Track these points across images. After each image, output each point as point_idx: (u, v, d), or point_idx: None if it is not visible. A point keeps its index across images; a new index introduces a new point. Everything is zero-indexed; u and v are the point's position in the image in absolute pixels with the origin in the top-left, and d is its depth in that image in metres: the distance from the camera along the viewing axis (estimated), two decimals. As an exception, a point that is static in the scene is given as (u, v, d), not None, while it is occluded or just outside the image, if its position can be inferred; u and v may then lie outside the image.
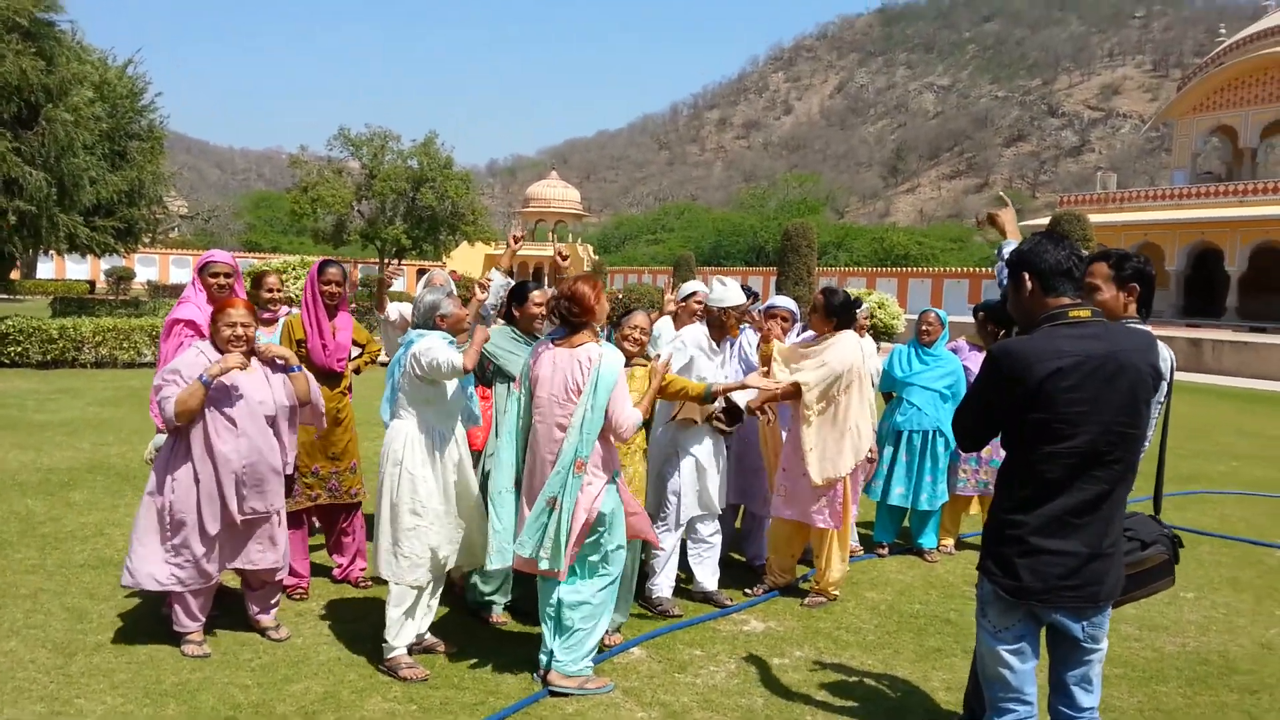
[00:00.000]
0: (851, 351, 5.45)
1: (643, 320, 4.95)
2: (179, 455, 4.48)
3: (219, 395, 4.44)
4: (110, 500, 7.22)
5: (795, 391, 5.36)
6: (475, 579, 5.02)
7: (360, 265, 57.49)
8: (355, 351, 5.61)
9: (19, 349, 15.31)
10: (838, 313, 5.57)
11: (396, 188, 47.58)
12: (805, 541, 5.76)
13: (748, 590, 5.74)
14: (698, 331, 5.62)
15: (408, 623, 4.41)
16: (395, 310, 5.81)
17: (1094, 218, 29.00)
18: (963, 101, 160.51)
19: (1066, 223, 23.19)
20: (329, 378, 5.22)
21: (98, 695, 4.04)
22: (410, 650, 4.52)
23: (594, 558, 4.39)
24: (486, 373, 5.05)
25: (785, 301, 6.11)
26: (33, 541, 6.12)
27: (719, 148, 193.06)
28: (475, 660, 4.56)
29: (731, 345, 6.01)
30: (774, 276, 31.01)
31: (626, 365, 4.76)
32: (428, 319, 4.49)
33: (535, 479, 4.32)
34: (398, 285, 51.61)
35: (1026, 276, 3.11)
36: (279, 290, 5.63)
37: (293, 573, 5.29)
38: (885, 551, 6.75)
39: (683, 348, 5.49)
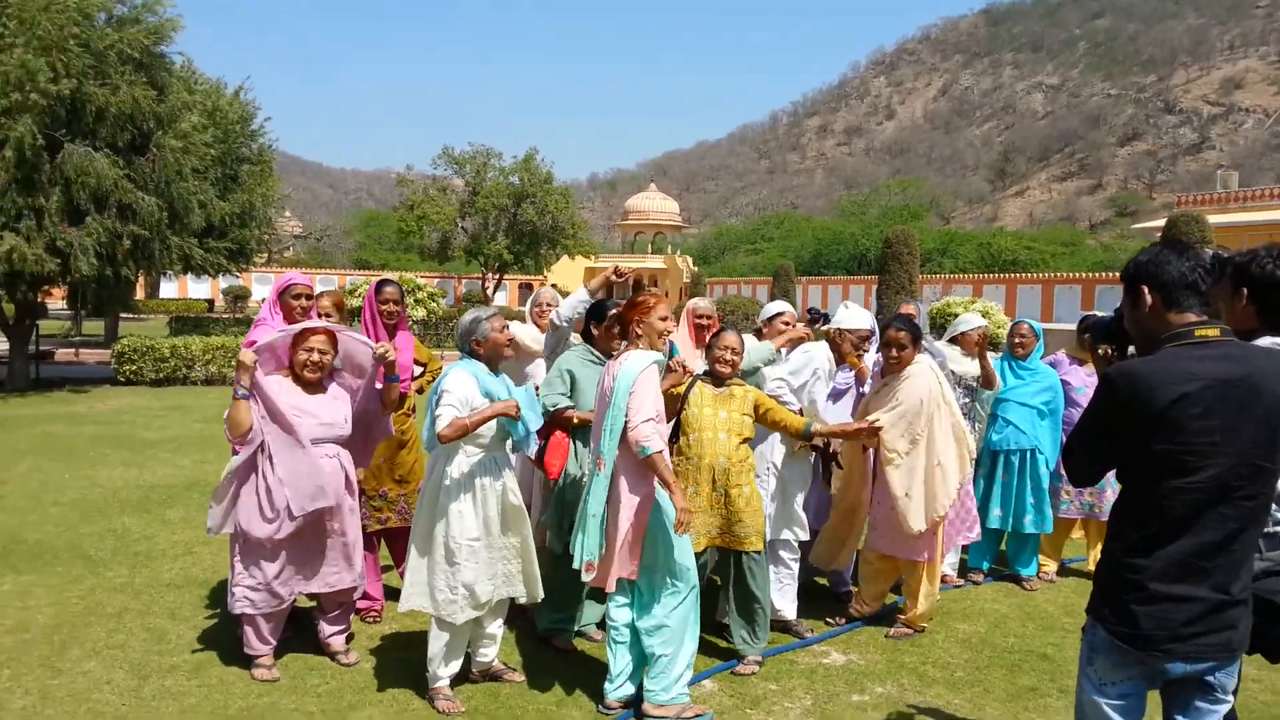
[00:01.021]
0: (923, 383, 5.15)
1: (733, 340, 4.76)
2: (244, 476, 4.50)
3: (280, 415, 4.43)
4: (203, 518, 7.26)
5: (872, 433, 5.07)
6: (543, 605, 4.92)
7: (465, 281, 58.63)
8: (417, 371, 5.57)
9: (134, 367, 15.99)
10: (919, 338, 5.29)
11: (498, 204, 48.36)
12: (898, 573, 5.50)
13: (829, 620, 5.50)
14: (823, 353, 5.46)
15: (449, 655, 4.29)
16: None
17: (1214, 218, 27.56)
18: (1073, 101, 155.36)
19: (1183, 224, 22.01)
20: (391, 399, 5.18)
21: (165, 719, 4.06)
22: (477, 677, 4.46)
23: (657, 575, 4.23)
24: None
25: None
26: (125, 559, 6.27)
27: (820, 155, 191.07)
28: (540, 690, 4.45)
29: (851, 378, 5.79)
30: (875, 285, 30.38)
31: (721, 385, 4.68)
32: (465, 342, 4.32)
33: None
34: (500, 299, 52.32)
35: (1146, 290, 2.77)
36: (395, 304, 5.29)
37: (366, 596, 5.29)
38: (981, 579, 6.41)
39: (802, 367, 5.36)
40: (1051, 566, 6.51)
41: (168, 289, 51.26)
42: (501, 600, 4.41)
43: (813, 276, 57.43)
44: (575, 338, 5.27)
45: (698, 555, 4.57)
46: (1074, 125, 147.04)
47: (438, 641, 4.26)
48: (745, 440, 4.68)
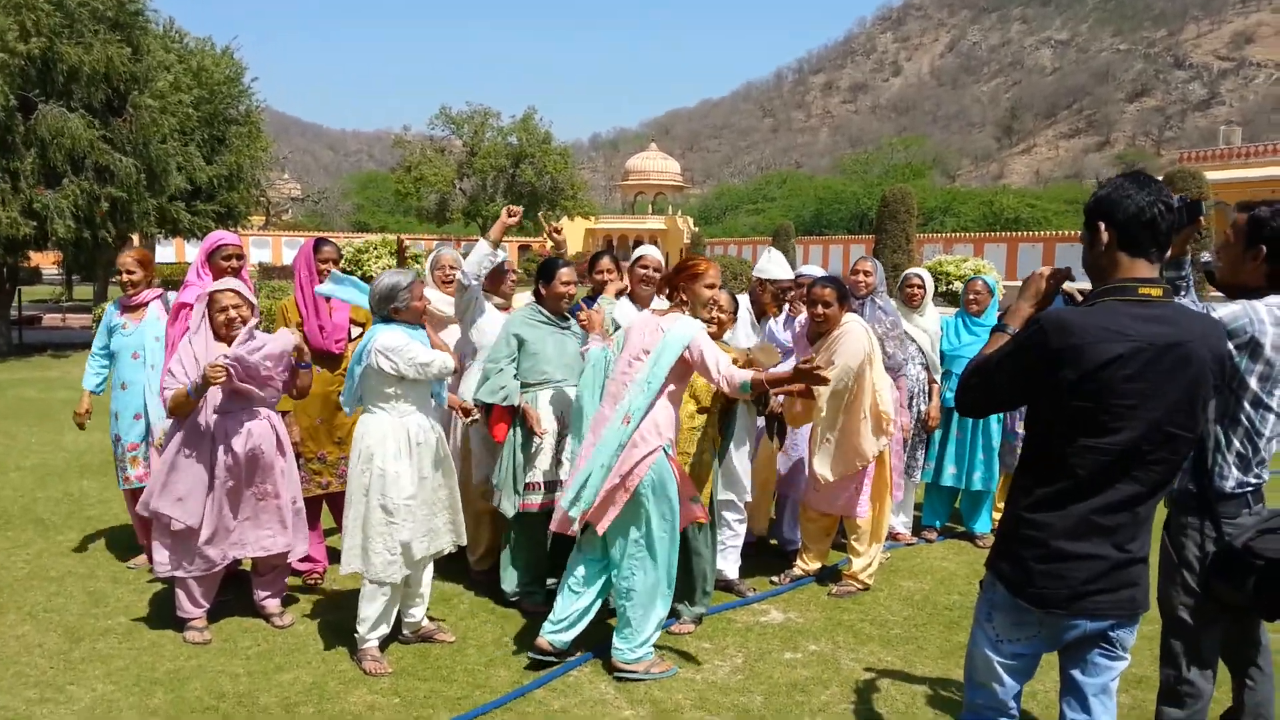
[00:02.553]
0: (861, 340, 5.08)
1: (725, 299, 4.74)
2: (180, 441, 4.47)
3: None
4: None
5: (807, 392, 5.01)
6: (510, 568, 4.89)
7: (464, 242, 58.48)
8: (356, 332, 5.51)
9: (119, 331, 15.96)
10: (846, 297, 5.20)
11: (496, 164, 48.19)
12: (836, 526, 5.48)
13: (774, 579, 5.48)
14: (741, 304, 5.36)
15: (381, 618, 4.28)
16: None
17: (1214, 174, 27.30)
18: (1082, 56, 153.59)
19: (1180, 180, 21.82)
20: (327, 360, 5.13)
21: (90, 682, 4.06)
22: (410, 637, 4.46)
23: (635, 534, 4.12)
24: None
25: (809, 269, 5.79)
26: (76, 523, 6.27)
27: (825, 113, 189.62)
28: (471, 652, 4.44)
29: (782, 324, 5.70)
30: (872, 244, 30.19)
31: None
32: (383, 308, 4.21)
33: (596, 435, 4.17)
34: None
35: (1102, 227, 2.59)
36: (335, 263, 5.34)
37: (308, 558, 5.26)
38: (934, 537, 6.39)
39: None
40: (1007, 524, 6.47)
41: (163, 253, 51.09)
42: (428, 556, 4.40)
43: (814, 236, 57.11)
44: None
45: None
46: (1082, 81, 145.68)
47: (370, 604, 4.24)
48: (703, 409, 4.62)
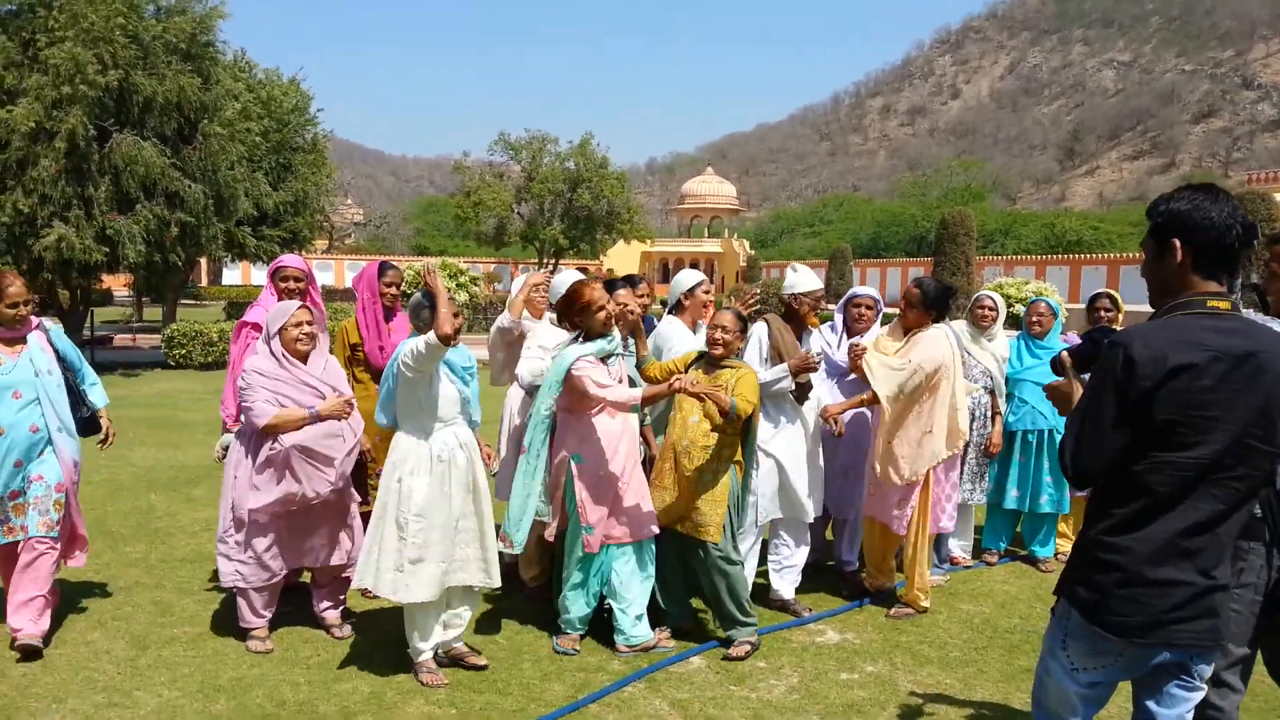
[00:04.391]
0: (941, 349, 5.09)
1: (727, 320, 4.65)
2: (244, 453, 4.58)
3: (289, 393, 4.50)
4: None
5: (874, 397, 5.06)
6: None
7: (521, 266, 59.01)
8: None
9: (183, 352, 16.41)
10: (935, 304, 5.20)
11: (554, 189, 48.55)
12: (898, 543, 5.41)
13: (845, 597, 5.44)
14: (759, 330, 5.30)
15: (423, 630, 4.27)
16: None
17: (1284, 195, 26.56)
18: (1145, 77, 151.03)
19: (1249, 201, 21.30)
20: (386, 379, 5.20)
21: (156, 688, 4.15)
22: (442, 657, 4.42)
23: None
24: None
25: (866, 290, 5.74)
26: (144, 535, 6.43)
27: (882, 136, 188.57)
28: (526, 666, 4.46)
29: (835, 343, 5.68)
30: (931, 266, 29.90)
31: (717, 367, 4.61)
32: (415, 323, 4.24)
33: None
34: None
35: (1178, 245, 2.51)
36: (396, 288, 5.48)
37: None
38: (995, 560, 6.27)
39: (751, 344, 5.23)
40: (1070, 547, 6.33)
41: (230, 276, 52.36)
42: (468, 588, 4.37)
43: (871, 259, 56.68)
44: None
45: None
46: (1146, 103, 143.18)
47: (409, 618, 4.28)
48: (716, 428, 4.57)
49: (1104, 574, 2.53)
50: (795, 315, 5.30)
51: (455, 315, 4.10)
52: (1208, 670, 2.60)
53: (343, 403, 4.55)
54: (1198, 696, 2.62)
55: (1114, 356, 2.48)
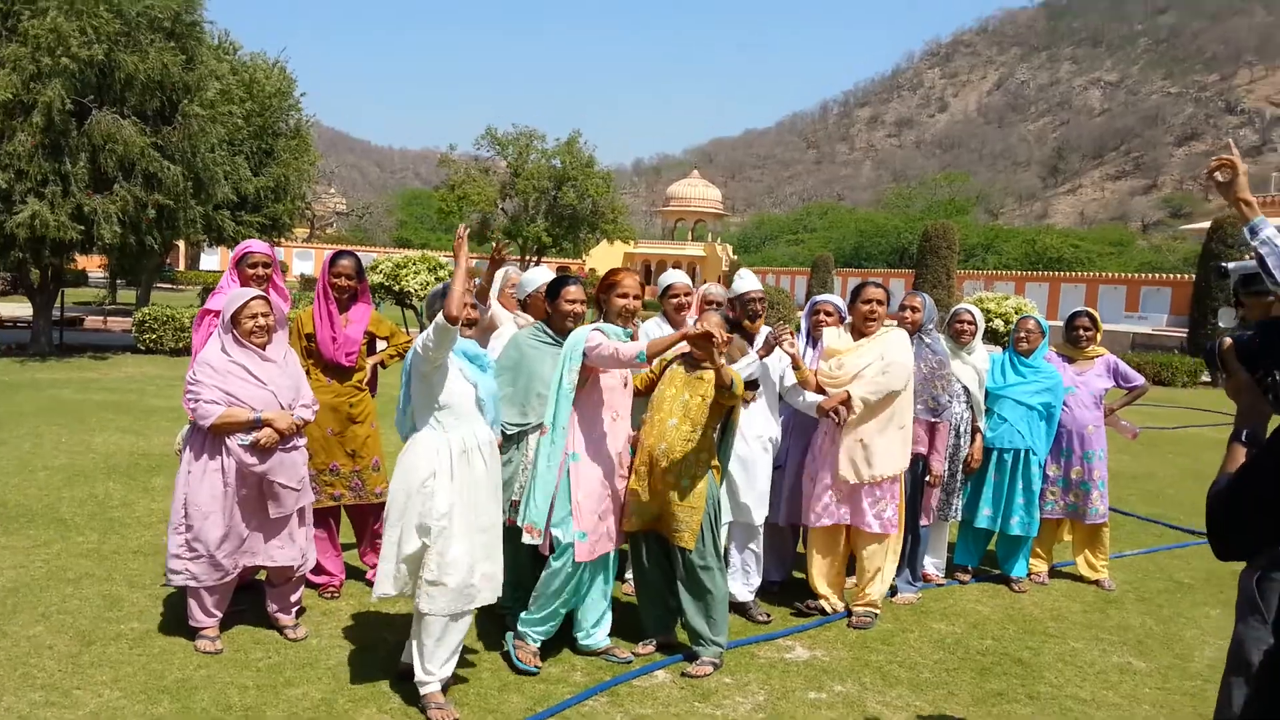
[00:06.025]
0: (908, 347, 5.28)
1: (714, 322, 4.46)
2: (200, 448, 4.43)
3: (245, 391, 4.36)
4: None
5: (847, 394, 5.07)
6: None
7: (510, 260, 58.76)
8: (380, 346, 5.45)
9: (154, 336, 16.13)
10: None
11: (539, 186, 48.32)
12: (848, 553, 5.41)
13: (801, 608, 5.35)
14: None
15: (439, 652, 3.93)
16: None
17: (1266, 221, 26.74)
18: (1131, 98, 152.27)
19: (1230, 227, 21.42)
20: (339, 372, 5.06)
21: (97, 687, 3.98)
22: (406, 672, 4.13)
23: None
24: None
25: (828, 296, 5.69)
26: (98, 525, 6.24)
27: (869, 146, 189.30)
28: (486, 676, 4.32)
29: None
30: (912, 278, 29.95)
31: (696, 368, 4.50)
32: (429, 313, 4.14)
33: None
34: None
35: None
36: (348, 279, 5.19)
37: (325, 571, 5.20)
38: (968, 578, 6.18)
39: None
40: (1043, 568, 6.26)
41: (209, 261, 51.82)
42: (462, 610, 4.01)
43: (853, 269, 56.78)
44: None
45: (628, 535, 4.65)
46: (1131, 123, 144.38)
47: (430, 636, 3.90)
48: (698, 428, 4.46)
49: None
50: (740, 322, 5.23)
51: (472, 306, 4.19)
52: None
53: (292, 422, 4.45)
54: None
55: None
